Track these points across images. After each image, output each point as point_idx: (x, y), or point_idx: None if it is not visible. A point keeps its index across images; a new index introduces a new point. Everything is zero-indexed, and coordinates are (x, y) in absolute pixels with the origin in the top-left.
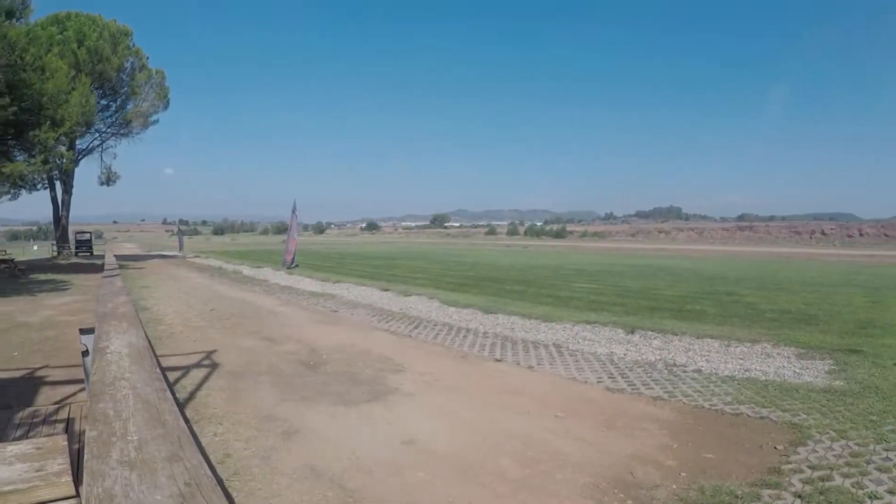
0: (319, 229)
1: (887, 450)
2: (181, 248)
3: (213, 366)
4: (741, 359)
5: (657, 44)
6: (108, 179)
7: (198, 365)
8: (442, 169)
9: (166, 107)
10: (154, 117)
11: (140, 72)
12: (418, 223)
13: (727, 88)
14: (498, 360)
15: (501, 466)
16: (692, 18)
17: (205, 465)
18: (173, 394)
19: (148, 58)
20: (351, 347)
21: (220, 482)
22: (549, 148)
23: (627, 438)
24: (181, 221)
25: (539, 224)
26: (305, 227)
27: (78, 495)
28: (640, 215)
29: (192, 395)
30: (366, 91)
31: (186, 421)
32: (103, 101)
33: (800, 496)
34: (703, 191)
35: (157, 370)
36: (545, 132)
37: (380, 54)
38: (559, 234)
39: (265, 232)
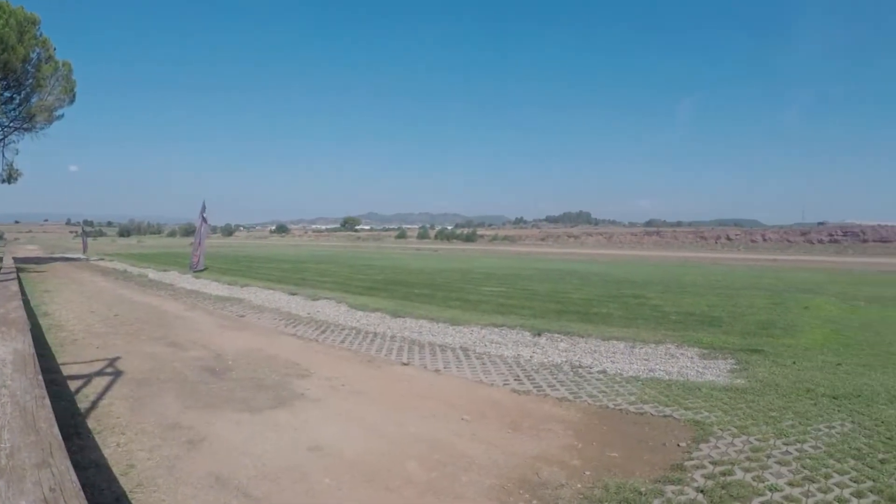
0: (228, 231)
1: (787, 444)
2: (85, 250)
3: (117, 373)
4: (646, 359)
5: (571, 45)
6: (10, 177)
7: (100, 373)
8: (353, 171)
9: (72, 101)
10: (59, 112)
11: (46, 63)
12: (329, 226)
13: (637, 96)
14: (405, 364)
15: (408, 470)
16: (616, 24)
17: (71, 471)
18: (74, 401)
19: (55, 48)
20: (257, 352)
21: (114, 488)
22: (461, 151)
23: (533, 439)
24: (85, 222)
25: (450, 228)
26: (214, 230)
27: None
28: (550, 220)
29: (94, 405)
30: (275, 91)
31: (89, 432)
32: (7, 94)
33: (702, 491)
34: (612, 197)
35: (39, 377)
36: (457, 135)
37: (282, 52)
38: (470, 238)
39: (172, 234)
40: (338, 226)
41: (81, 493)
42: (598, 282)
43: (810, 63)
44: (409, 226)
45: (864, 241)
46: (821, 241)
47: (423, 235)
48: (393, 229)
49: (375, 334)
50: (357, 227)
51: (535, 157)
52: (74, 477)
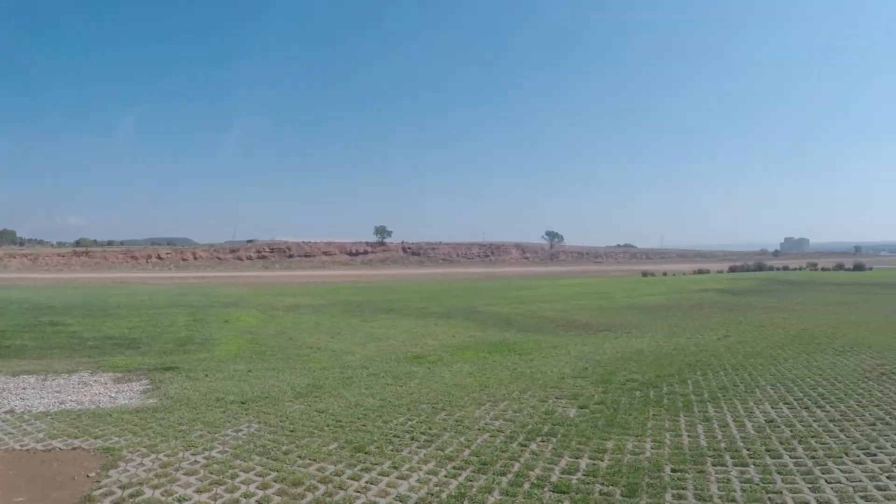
0: None
1: (195, 454)
2: None
3: None
4: (58, 391)
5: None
6: None
7: None
8: None
9: None
10: None
11: None
12: None
13: (72, 102)
14: None
15: None
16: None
17: None
18: None
19: None
20: None
21: None
22: None
23: None
24: None
25: None
26: None
27: None
28: None
29: None
30: None
31: None
32: None
33: None
34: (40, 213)
35: None
36: None
37: None
38: None
39: None
40: None
41: None
42: (16, 310)
43: (252, 92)
44: None
45: (290, 255)
46: (250, 258)
47: None
48: None
49: None
50: None
51: None
52: None
